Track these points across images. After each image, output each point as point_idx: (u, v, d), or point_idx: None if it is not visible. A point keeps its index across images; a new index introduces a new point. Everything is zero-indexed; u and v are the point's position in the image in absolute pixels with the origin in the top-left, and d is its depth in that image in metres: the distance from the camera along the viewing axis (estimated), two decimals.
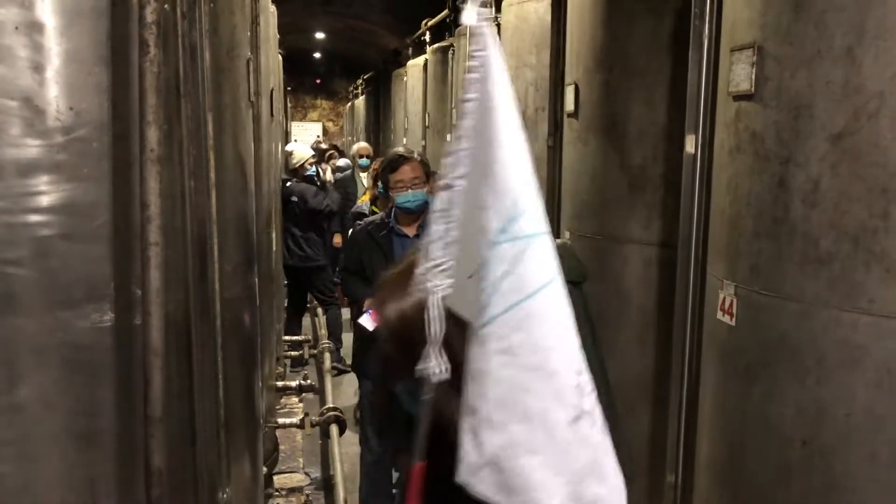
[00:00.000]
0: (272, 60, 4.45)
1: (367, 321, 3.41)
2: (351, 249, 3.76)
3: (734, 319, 2.24)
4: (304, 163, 6.83)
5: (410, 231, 3.56)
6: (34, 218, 1.68)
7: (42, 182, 1.69)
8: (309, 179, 6.85)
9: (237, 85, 2.28)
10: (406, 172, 3.47)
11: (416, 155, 3.61)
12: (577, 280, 3.39)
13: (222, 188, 2.08)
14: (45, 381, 1.71)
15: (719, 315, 2.32)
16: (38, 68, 1.66)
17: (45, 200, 1.69)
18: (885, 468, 1.90)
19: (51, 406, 1.73)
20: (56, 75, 1.68)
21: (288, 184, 6.71)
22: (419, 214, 3.52)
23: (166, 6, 1.75)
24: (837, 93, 1.91)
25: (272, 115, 4.07)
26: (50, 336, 1.71)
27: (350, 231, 4.00)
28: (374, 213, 4.79)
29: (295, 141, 10.11)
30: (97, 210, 1.72)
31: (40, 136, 1.66)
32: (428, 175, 3.56)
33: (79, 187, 1.71)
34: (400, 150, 3.81)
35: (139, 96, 1.57)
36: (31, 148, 1.66)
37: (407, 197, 3.46)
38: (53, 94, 1.68)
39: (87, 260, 1.73)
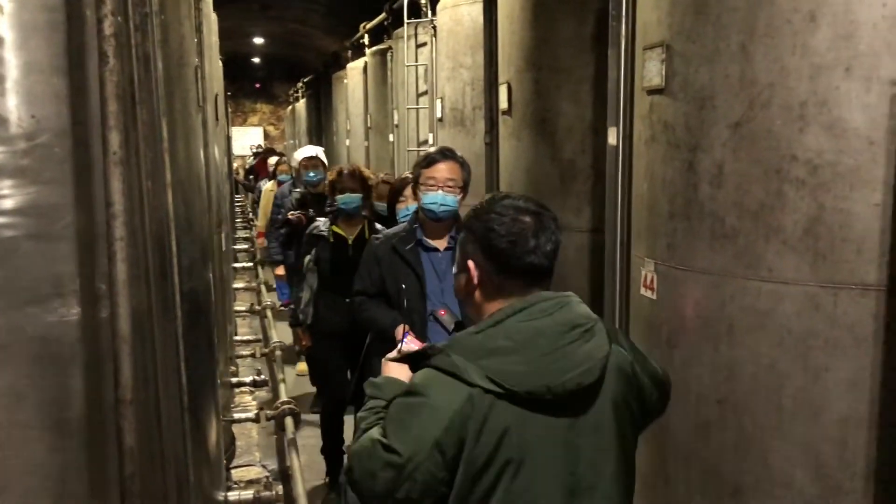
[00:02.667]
0: (215, 67, 4.54)
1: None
2: (370, 268, 3.10)
3: (655, 294, 2.45)
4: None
5: (440, 244, 3.01)
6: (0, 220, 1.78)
7: (6, 186, 1.79)
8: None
9: (187, 92, 2.41)
10: (441, 171, 2.94)
11: (458, 156, 3.05)
12: None
13: (176, 189, 2.20)
14: (16, 374, 1.82)
15: (643, 291, 2.54)
16: None
17: (9, 203, 1.80)
18: (789, 418, 2.13)
19: (21, 397, 1.83)
20: (16, 85, 1.79)
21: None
22: (448, 224, 3.00)
23: (119, 18, 1.88)
24: (735, 85, 2.14)
25: (217, 119, 4.17)
26: (19, 330, 1.81)
27: (366, 246, 3.27)
28: (335, 233, 4.10)
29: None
30: (61, 211, 1.83)
31: (4, 143, 1.77)
32: (466, 185, 3.01)
33: (42, 190, 1.82)
34: (440, 147, 3.24)
35: (101, 104, 1.70)
36: None
37: (435, 198, 2.91)
38: (14, 104, 1.79)
39: (53, 258, 1.83)
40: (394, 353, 1.88)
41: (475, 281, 1.62)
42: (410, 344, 2.57)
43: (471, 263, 1.62)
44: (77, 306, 1.86)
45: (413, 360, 1.66)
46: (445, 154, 3.00)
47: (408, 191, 3.58)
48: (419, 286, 2.93)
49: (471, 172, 3.07)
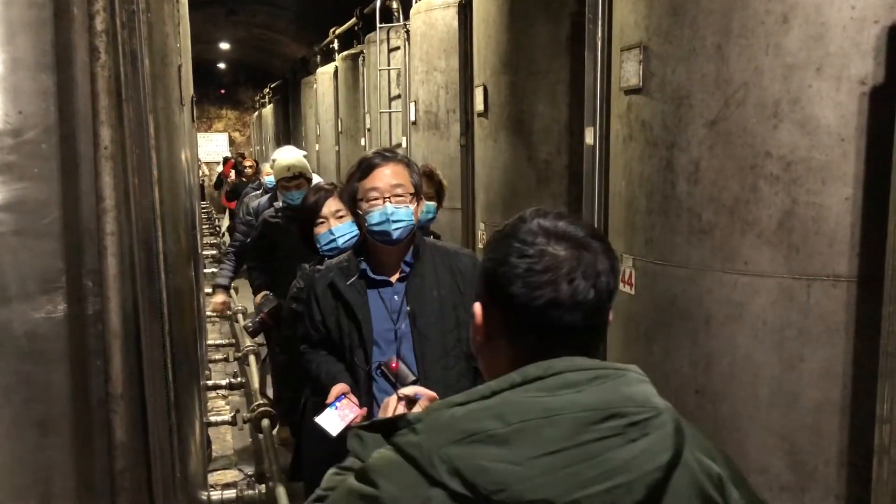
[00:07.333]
0: (189, 69, 4.53)
1: (333, 420, 2.10)
2: (310, 309, 2.39)
3: (633, 289, 2.51)
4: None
5: (393, 275, 2.28)
6: None
7: None
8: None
9: (170, 90, 2.42)
10: (383, 177, 2.21)
11: (402, 156, 2.36)
12: None
13: (161, 186, 2.21)
14: (2, 370, 1.81)
15: (621, 286, 2.59)
16: None
17: None
18: (765, 406, 2.20)
19: (7, 394, 1.83)
20: (2, 82, 1.79)
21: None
22: (403, 247, 2.26)
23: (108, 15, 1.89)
24: (710, 84, 2.21)
25: (193, 121, 4.16)
26: (6, 327, 1.81)
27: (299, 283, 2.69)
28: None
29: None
30: (48, 207, 1.83)
31: None
32: (418, 191, 2.29)
33: (29, 186, 1.82)
34: (375, 150, 2.46)
35: (92, 99, 1.71)
36: None
37: (382, 214, 2.18)
38: (1, 100, 1.79)
39: (40, 254, 1.83)
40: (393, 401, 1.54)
41: (481, 333, 1.11)
42: (345, 410, 2.09)
43: (477, 308, 1.12)
44: (64, 303, 1.86)
45: (385, 429, 1.07)
46: (385, 156, 2.28)
47: (328, 207, 2.83)
48: (359, 332, 2.25)
49: (422, 176, 2.43)
